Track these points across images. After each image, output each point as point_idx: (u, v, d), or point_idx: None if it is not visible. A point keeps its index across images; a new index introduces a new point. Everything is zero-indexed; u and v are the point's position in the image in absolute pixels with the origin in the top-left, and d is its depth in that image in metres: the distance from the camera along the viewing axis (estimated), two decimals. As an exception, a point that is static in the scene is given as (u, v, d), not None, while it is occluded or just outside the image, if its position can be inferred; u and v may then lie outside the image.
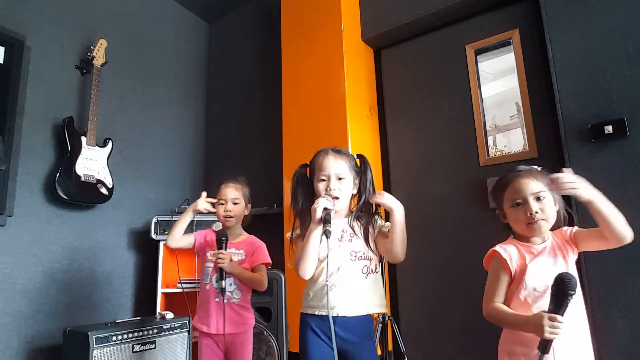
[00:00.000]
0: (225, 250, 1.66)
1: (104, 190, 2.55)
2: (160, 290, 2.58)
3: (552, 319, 0.96)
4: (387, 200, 1.29)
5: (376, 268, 1.38)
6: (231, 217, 1.75)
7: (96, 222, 2.65)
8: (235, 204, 1.77)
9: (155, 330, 2.02)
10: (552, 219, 1.16)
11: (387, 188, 2.56)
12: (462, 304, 2.16)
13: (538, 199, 1.15)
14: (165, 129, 3.25)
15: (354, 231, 1.36)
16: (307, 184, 1.42)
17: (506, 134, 2.54)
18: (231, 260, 1.66)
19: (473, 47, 2.38)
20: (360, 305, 1.31)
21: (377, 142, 2.64)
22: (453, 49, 2.44)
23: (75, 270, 2.51)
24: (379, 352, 1.98)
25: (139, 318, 2.15)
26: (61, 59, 2.60)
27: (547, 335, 0.96)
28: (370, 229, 1.37)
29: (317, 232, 1.26)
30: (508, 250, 1.18)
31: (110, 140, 2.67)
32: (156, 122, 3.19)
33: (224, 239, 1.66)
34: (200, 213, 1.83)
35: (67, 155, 2.42)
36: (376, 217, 1.40)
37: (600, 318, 1.67)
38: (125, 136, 2.90)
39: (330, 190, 1.32)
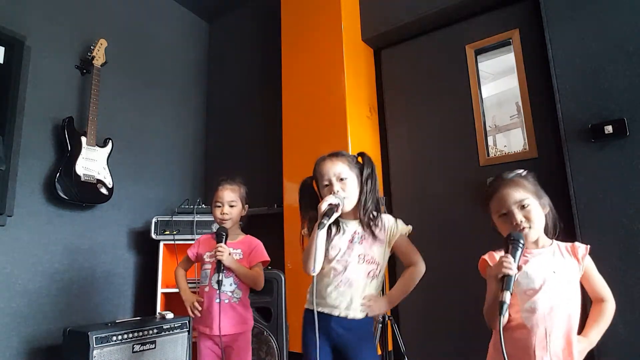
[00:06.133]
0: (225, 244, 1.65)
1: (104, 190, 2.55)
2: (160, 290, 2.58)
3: (500, 259, 1.06)
4: (376, 308, 1.34)
5: (380, 273, 1.38)
6: (228, 219, 1.75)
7: (96, 222, 2.65)
8: (231, 206, 1.76)
9: (155, 330, 2.02)
10: (540, 224, 1.15)
11: (387, 188, 2.56)
12: (462, 304, 2.16)
13: (522, 207, 1.13)
14: (165, 129, 3.25)
15: (367, 234, 1.36)
16: (313, 194, 1.44)
17: (506, 134, 2.54)
18: (230, 254, 1.66)
19: (473, 47, 2.38)
20: (362, 309, 1.32)
21: (377, 142, 2.64)
22: (453, 49, 2.44)
23: (75, 270, 2.51)
24: (379, 352, 1.98)
25: (139, 318, 2.15)
26: (61, 59, 2.60)
27: (500, 271, 1.04)
28: (383, 233, 1.37)
29: (320, 233, 1.27)
30: (496, 257, 1.18)
31: (110, 140, 2.67)
32: (156, 122, 3.19)
33: (223, 233, 1.66)
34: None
35: (67, 155, 2.42)
36: (395, 221, 1.40)
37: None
38: (125, 136, 2.90)
39: (334, 193, 1.33)
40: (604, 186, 1.76)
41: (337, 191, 1.33)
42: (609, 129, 1.75)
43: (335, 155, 1.40)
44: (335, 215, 1.29)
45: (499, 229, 1.21)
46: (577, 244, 1.18)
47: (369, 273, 1.34)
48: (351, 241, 1.36)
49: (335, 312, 1.31)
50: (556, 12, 1.96)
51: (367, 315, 1.33)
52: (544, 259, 1.14)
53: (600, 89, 1.81)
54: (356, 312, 1.31)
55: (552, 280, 1.10)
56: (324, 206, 1.27)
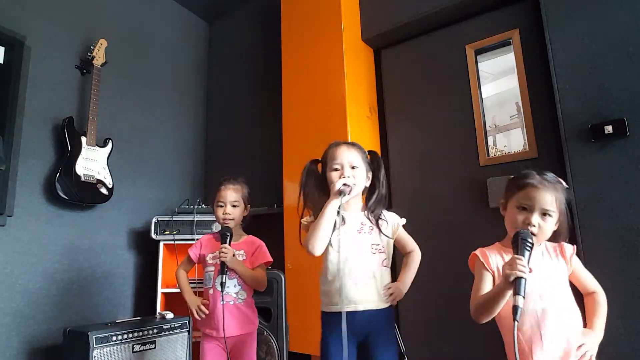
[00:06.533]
0: (229, 245, 1.64)
1: (104, 190, 2.55)
2: (160, 290, 2.58)
3: (512, 260, 1.02)
4: (399, 294, 1.37)
5: (389, 262, 1.40)
6: (230, 219, 1.75)
7: (96, 222, 2.65)
8: (234, 206, 1.75)
9: (155, 330, 2.02)
10: (545, 237, 1.16)
11: (387, 188, 2.56)
12: (462, 304, 2.15)
13: (544, 214, 1.13)
14: (165, 129, 3.25)
15: (372, 224, 1.38)
16: (318, 177, 1.44)
17: (506, 134, 2.54)
18: (233, 255, 1.65)
19: (473, 47, 2.38)
20: (385, 299, 1.33)
21: (377, 142, 2.64)
22: (453, 49, 2.43)
23: (75, 270, 2.51)
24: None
25: (139, 318, 2.15)
26: (61, 59, 2.60)
27: (513, 273, 1.00)
28: (389, 226, 1.41)
29: (332, 205, 1.27)
30: (488, 253, 1.19)
31: (110, 140, 2.67)
32: (156, 122, 3.19)
33: (227, 234, 1.65)
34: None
35: (67, 155, 2.42)
36: (394, 215, 1.45)
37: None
38: (125, 136, 2.90)
39: (344, 177, 1.33)
40: (604, 186, 1.75)
41: (348, 177, 1.33)
42: (609, 129, 1.74)
43: (352, 144, 1.45)
44: (347, 198, 1.30)
45: (505, 213, 1.21)
46: (564, 244, 1.20)
47: (382, 262, 1.36)
48: (360, 232, 1.37)
49: (360, 307, 1.30)
50: (556, 12, 1.96)
51: (390, 304, 1.35)
52: (534, 261, 1.13)
53: (600, 89, 1.81)
54: (380, 303, 1.32)
55: (542, 282, 1.11)
56: (338, 184, 1.28)
